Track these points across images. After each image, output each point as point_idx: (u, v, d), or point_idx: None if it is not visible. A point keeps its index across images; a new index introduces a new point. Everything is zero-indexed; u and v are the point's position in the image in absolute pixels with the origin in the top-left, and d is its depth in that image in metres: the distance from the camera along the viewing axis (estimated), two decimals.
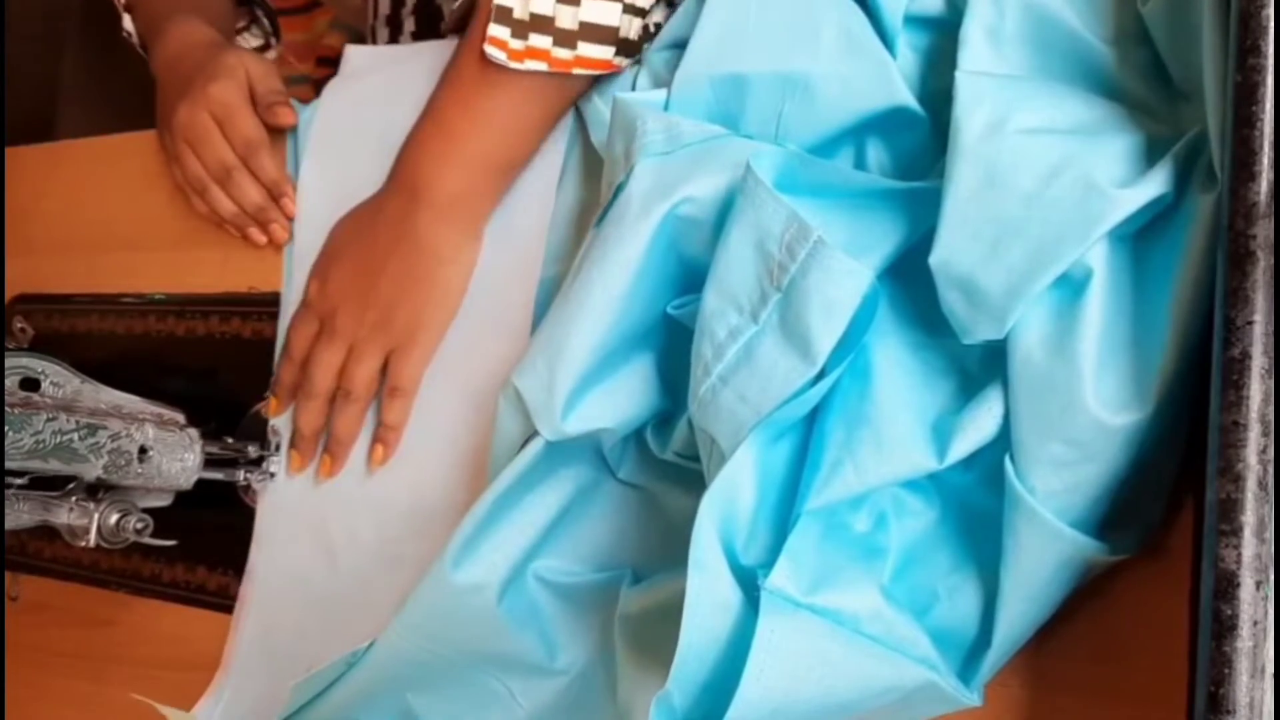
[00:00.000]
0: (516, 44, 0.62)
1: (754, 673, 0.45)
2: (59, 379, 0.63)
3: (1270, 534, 0.40)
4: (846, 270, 0.48)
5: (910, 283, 0.53)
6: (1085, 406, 0.45)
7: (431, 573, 0.58)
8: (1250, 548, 0.39)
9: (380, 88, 0.75)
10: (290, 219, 0.75)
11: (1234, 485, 0.40)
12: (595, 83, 0.66)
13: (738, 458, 0.49)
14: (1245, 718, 0.38)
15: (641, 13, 0.62)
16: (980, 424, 0.48)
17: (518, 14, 0.62)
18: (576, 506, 0.61)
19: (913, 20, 0.57)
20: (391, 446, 0.69)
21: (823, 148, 0.58)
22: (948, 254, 0.48)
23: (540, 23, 0.62)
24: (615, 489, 0.62)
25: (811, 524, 0.49)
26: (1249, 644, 0.39)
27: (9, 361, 0.62)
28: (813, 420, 0.52)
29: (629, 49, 0.63)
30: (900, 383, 0.51)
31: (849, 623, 0.47)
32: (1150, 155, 0.48)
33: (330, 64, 1.03)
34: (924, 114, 0.56)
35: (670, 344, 0.58)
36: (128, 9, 0.87)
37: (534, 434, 0.57)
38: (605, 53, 0.63)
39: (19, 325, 0.85)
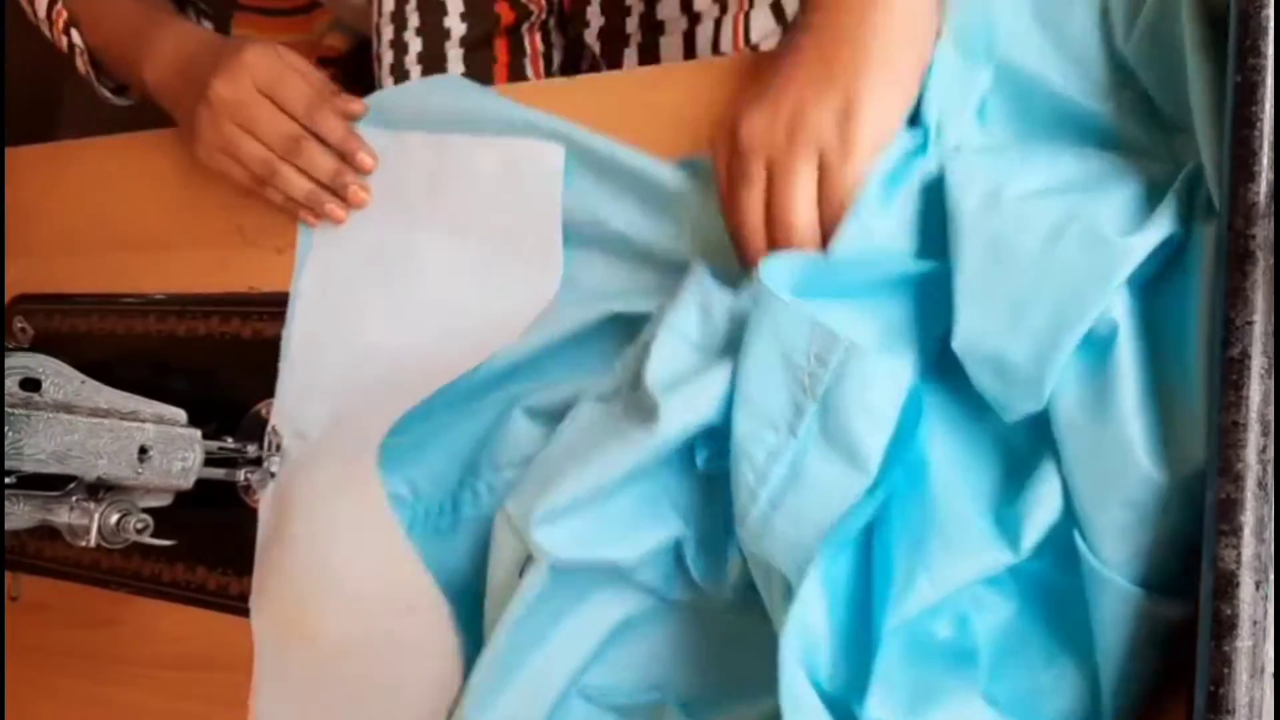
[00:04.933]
0: None
1: None
2: (59, 379, 0.63)
3: (1270, 534, 0.40)
4: (884, 371, 0.47)
5: (946, 369, 0.50)
6: (1137, 463, 0.44)
7: None
8: (1250, 548, 0.39)
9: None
10: (367, 173, 0.70)
11: (1234, 485, 0.40)
12: None
13: (808, 585, 0.46)
14: (1245, 718, 0.38)
15: None
16: (1045, 504, 0.46)
17: None
18: (625, 629, 0.58)
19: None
20: None
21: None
22: (969, 334, 0.46)
23: None
24: (662, 607, 0.58)
25: (894, 640, 0.47)
26: (1249, 644, 0.39)
27: (9, 361, 0.62)
28: (870, 526, 0.49)
29: None
30: (956, 478, 0.49)
31: None
32: (1151, 197, 0.47)
33: (330, 64, 1.03)
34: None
35: (677, 470, 0.55)
36: (71, 24, 0.81)
37: (528, 561, 0.54)
38: None
39: (19, 325, 0.85)
